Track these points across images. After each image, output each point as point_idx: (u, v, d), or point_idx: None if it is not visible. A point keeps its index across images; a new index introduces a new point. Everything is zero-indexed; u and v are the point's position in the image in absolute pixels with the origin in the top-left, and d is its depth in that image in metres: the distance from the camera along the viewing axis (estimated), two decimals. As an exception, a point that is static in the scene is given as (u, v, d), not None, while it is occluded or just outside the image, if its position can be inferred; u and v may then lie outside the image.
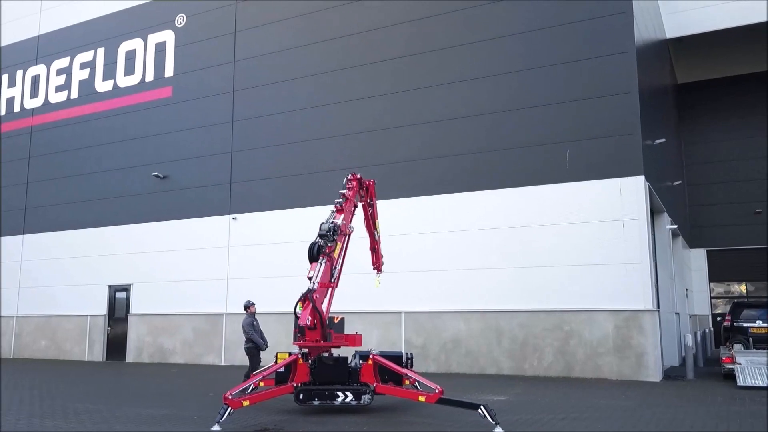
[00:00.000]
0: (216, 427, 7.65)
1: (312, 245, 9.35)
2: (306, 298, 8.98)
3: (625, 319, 13.30)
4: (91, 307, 20.07)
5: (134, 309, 19.33)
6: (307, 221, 16.89)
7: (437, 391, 8.02)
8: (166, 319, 18.73)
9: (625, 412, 8.78)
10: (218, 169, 18.57)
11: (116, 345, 19.56)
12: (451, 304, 15.02)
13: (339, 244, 9.53)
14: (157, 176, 19.39)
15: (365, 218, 10.81)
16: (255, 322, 12.00)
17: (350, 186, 10.11)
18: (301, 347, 9.13)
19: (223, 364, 17.55)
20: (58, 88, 22.27)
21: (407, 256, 15.31)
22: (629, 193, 13.56)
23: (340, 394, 8.86)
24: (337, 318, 9.26)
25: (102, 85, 21.18)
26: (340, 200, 9.85)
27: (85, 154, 21.13)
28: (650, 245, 13.68)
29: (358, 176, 10.40)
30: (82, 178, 21.03)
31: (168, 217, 19.16)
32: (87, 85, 21.54)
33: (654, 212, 16.76)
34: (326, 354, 9.20)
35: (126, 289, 19.59)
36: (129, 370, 16.24)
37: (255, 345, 11.77)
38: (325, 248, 9.31)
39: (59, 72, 22.31)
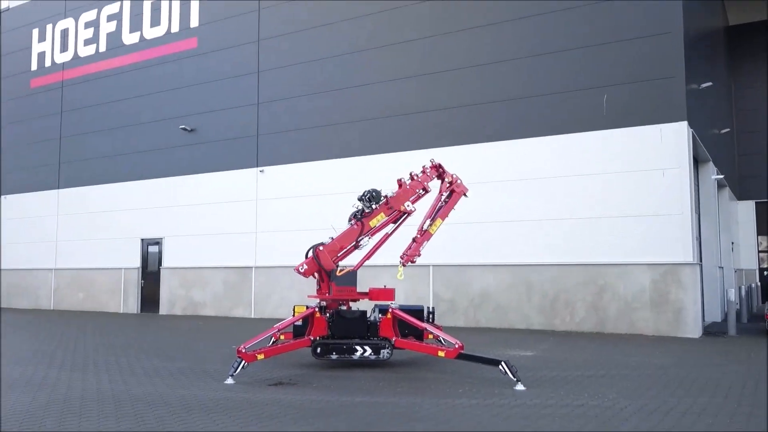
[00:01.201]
0: (229, 381, 7.49)
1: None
2: (312, 248, 8.74)
3: (662, 272, 12.67)
4: (125, 260, 20.29)
5: (166, 262, 19.45)
6: (334, 173, 16.61)
7: (457, 346, 7.68)
8: (196, 272, 18.80)
9: (659, 370, 8.32)
10: (245, 121, 18.28)
11: (150, 298, 19.80)
12: (480, 257, 14.59)
13: (381, 215, 8.89)
14: (184, 129, 19.23)
15: (432, 207, 9.37)
16: None
17: (425, 171, 9.23)
18: (320, 300, 8.90)
19: (252, 316, 17.58)
20: (87, 42, 22.12)
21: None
22: (670, 140, 12.76)
23: (358, 348, 8.59)
24: (342, 271, 8.84)
25: (129, 38, 20.92)
26: (406, 179, 9.12)
27: (115, 108, 21.07)
28: (692, 196, 12.94)
29: (437, 164, 9.29)
30: (113, 132, 21.03)
31: (196, 170, 19.06)
32: (114, 37, 21.33)
33: (698, 161, 15.90)
34: (344, 307, 8.93)
35: (158, 242, 19.69)
36: (160, 323, 16.39)
37: None
38: (360, 213, 8.89)
39: (87, 25, 22.13)
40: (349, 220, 9.02)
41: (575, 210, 13.61)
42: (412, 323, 8.55)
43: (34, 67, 23.58)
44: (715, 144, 17.98)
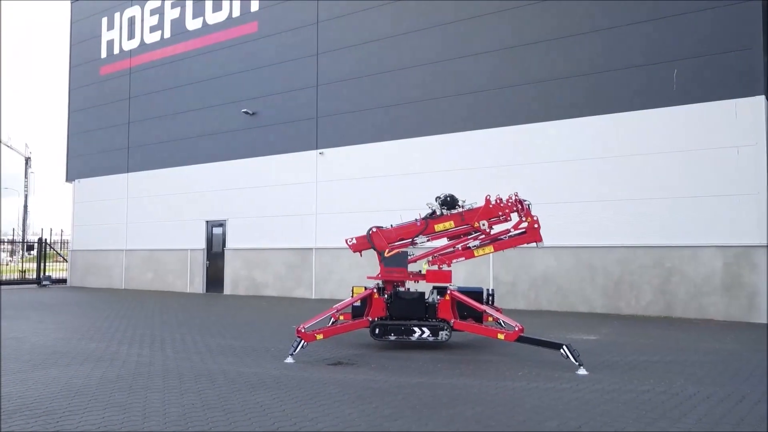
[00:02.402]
0: (289, 360, 7.61)
1: None
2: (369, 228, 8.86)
3: (735, 255, 12.11)
4: (191, 241, 20.90)
5: (229, 244, 19.93)
6: (393, 155, 16.56)
7: (517, 329, 7.55)
8: (258, 253, 19.18)
9: (729, 356, 7.96)
10: (304, 103, 18.42)
11: (215, 278, 20.35)
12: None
13: (450, 223, 8.65)
14: (246, 113, 19.53)
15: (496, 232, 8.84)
16: None
17: (509, 199, 8.66)
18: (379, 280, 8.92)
19: (313, 297, 17.83)
20: (152, 29, 22.71)
21: (497, 188, 14.65)
22: (746, 115, 12.12)
23: (416, 329, 8.57)
24: (391, 252, 8.79)
25: (192, 23, 21.35)
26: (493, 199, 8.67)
27: (179, 93, 21.61)
28: (769, 174, 12.28)
29: (519, 199, 8.67)
30: (177, 117, 21.58)
31: (258, 153, 19.38)
32: (178, 24, 21.81)
33: (776, 138, 15.03)
34: (402, 288, 8.91)
35: (222, 224, 20.18)
36: (223, 302, 16.83)
37: None
38: (431, 214, 8.80)
39: (152, 12, 22.70)
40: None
41: (642, 190, 13.14)
42: (470, 305, 8.47)
43: (103, 54, 24.39)
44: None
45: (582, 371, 6.81)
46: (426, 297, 8.87)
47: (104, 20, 24.49)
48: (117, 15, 23.97)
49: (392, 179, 16.52)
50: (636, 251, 13.16)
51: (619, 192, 13.41)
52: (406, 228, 8.94)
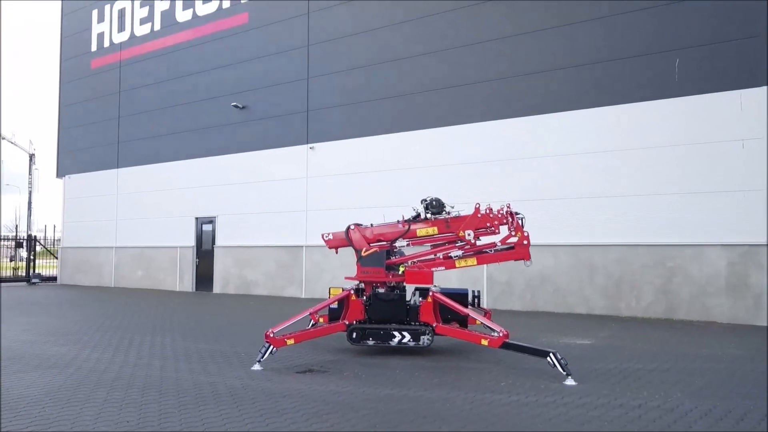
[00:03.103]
0: (256, 366, 7.08)
1: None
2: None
3: (741, 254, 11.48)
4: (181, 238, 20.38)
5: (219, 241, 19.40)
6: (386, 149, 15.99)
7: (501, 334, 6.98)
8: (249, 251, 18.65)
9: (734, 364, 7.36)
10: (295, 96, 17.86)
11: (204, 276, 19.83)
12: (538, 236, 13.65)
13: (433, 229, 8.01)
14: (236, 106, 18.99)
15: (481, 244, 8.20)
16: None
17: (500, 210, 7.97)
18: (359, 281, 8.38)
19: (303, 296, 17.28)
20: (143, 21, 22.19)
21: (492, 182, 14.08)
22: (752, 107, 11.48)
23: (396, 334, 8.01)
24: (368, 251, 8.25)
25: (182, 15, 20.81)
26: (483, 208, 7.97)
27: (169, 87, 21.08)
28: (776, 169, 11.64)
29: (511, 212, 7.94)
30: (167, 111, 21.07)
31: (248, 148, 18.82)
32: (168, 15, 21.27)
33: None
34: (381, 289, 8.35)
35: (211, 221, 19.65)
36: (210, 301, 16.30)
37: None
38: (415, 217, 8.21)
39: (143, 4, 22.17)
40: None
41: (642, 186, 12.53)
42: (453, 308, 7.89)
43: (93, 48, 23.89)
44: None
45: (570, 381, 6.24)
46: (408, 299, 8.33)
47: (95, 12, 23.97)
48: (107, 7, 23.44)
49: (386, 174, 15.95)
50: (637, 250, 12.55)
51: (618, 188, 12.80)
52: (387, 228, 8.40)
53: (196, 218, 20.03)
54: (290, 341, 7.51)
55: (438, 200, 8.30)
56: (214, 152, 19.62)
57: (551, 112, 13.66)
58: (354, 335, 8.05)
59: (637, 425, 4.76)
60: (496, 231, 8.14)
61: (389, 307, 8.18)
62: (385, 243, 8.43)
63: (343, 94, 16.94)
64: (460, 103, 14.92)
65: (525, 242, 7.96)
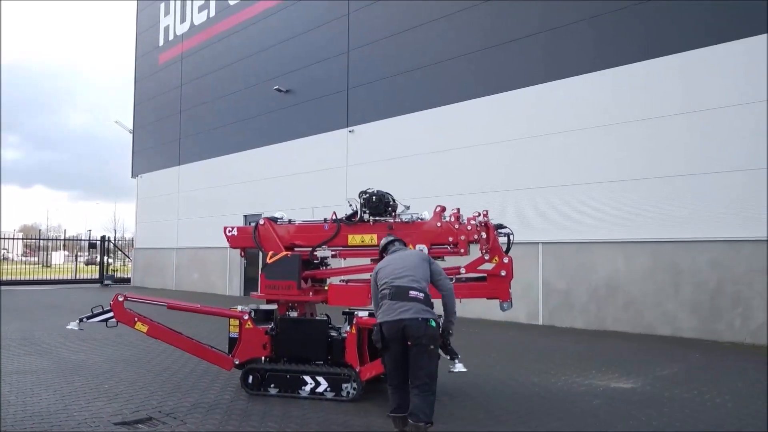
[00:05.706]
0: (73, 325, 5.61)
1: None
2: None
3: None
4: (231, 238, 18.82)
5: (265, 241, 17.57)
6: (429, 126, 13.27)
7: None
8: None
9: None
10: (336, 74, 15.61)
11: (254, 279, 18.09)
12: (606, 231, 10.38)
13: (371, 237, 5.61)
14: (278, 90, 17.11)
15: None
16: None
17: (469, 221, 5.38)
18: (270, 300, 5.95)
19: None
20: (200, 9, 21.08)
21: (546, 162, 10.97)
22: None
23: (308, 379, 5.49)
24: (274, 257, 5.84)
25: (232, -2, 19.38)
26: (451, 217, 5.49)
27: (219, 75, 19.73)
28: None
29: (478, 222, 5.32)
30: (218, 101, 19.79)
31: (290, 137, 16.88)
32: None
33: None
34: (294, 313, 5.84)
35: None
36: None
37: None
38: (350, 216, 5.77)
39: (199, -9, 21.07)
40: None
41: (748, 159, 8.88)
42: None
43: (161, 42, 23.17)
44: None
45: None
46: (334, 327, 5.74)
47: (162, 6, 23.25)
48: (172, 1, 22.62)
49: (432, 156, 13.23)
50: (741, 247, 8.91)
51: (712, 163, 9.23)
52: (310, 230, 5.95)
53: (245, 216, 18.39)
54: (141, 327, 5.63)
55: (382, 195, 5.66)
56: (258, 143, 17.92)
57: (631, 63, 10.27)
58: (250, 380, 5.62)
59: None
60: (463, 250, 5.34)
61: (303, 339, 5.66)
62: (305, 249, 5.94)
63: (385, 66, 14.37)
64: (507, 66, 11.84)
65: (503, 272, 5.19)
